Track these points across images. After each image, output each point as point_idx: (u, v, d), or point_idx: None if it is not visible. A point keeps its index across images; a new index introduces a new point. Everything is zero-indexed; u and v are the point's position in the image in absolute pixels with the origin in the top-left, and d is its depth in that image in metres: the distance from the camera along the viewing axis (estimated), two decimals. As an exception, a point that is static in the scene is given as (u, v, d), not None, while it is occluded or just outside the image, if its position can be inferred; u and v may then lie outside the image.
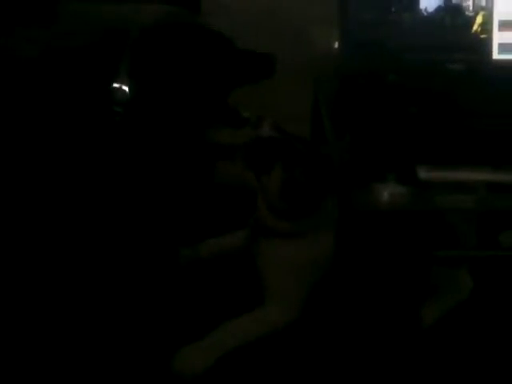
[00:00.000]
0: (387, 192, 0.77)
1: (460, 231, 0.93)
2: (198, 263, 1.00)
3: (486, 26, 1.06)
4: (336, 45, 1.12)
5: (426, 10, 1.06)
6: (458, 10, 1.06)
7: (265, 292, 0.87)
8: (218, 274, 1.01)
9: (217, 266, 1.02)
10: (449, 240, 0.92)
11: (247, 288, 0.93)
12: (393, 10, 1.07)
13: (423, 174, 0.81)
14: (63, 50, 1.09)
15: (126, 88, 1.01)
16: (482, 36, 1.06)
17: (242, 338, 0.83)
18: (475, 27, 1.06)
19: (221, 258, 1.01)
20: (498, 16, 1.06)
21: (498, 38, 1.06)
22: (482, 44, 1.06)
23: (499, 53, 1.06)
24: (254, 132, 1.01)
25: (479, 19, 1.06)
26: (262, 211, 0.87)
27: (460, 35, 1.06)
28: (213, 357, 0.81)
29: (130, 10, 1.70)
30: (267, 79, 1.12)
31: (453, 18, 1.06)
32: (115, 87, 1.00)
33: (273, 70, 1.14)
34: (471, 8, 1.06)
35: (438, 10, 1.06)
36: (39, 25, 1.48)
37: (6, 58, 1.09)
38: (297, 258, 0.83)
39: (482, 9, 1.06)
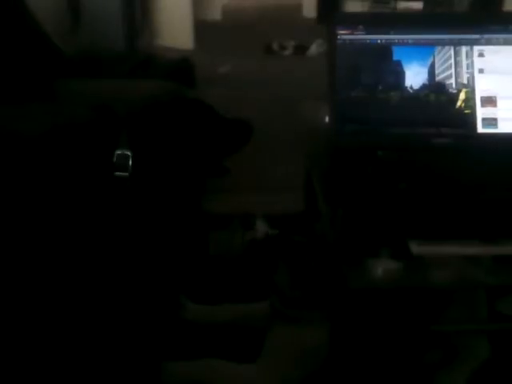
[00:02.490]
0: (381, 268, 0.78)
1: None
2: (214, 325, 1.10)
3: (469, 102, 1.11)
4: (327, 120, 1.17)
5: (411, 87, 1.11)
6: (442, 87, 1.11)
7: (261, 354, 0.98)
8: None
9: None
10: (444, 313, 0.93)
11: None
12: (380, 88, 1.12)
13: (415, 248, 0.82)
14: (66, 127, 1.14)
15: (127, 154, 1.06)
16: (466, 111, 1.11)
17: (225, 379, 0.93)
18: (459, 103, 1.11)
19: (238, 323, 1.09)
20: (479, 93, 1.11)
21: (481, 113, 1.11)
22: (467, 119, 1.11)
23: (483, 127, 1.11)
24: (250, 234, 1.14)
25: (462, 96, 1.11)
26: (275, 301, 0.98)
27: (445, 111, 1.11)
28: (192, 378, 0.98)
29: (128, 86, 1.76)
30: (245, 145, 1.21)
31: (437, 95, 1.11)
32: (117, 155, 1.05)
33: (250, 135, 1.24)
34: (454, 85, 1.11)
35: (423, 87, 1.11)
36: (38, 103, 1.54)
37: (11, 137, 1.13)
38: (301, 343, 0.91)
39: (464, 86, 1.11)
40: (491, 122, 1.11)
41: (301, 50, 4.01)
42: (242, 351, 1.06)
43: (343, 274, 0.77)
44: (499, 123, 1.11)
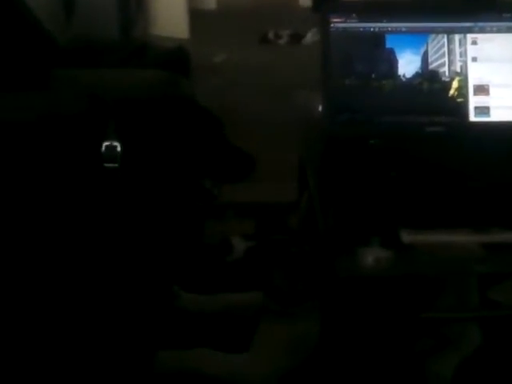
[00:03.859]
0: (372, 256, 0.79)
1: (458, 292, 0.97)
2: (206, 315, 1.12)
3: (462, 90, 1.11)
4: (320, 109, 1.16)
5: (404, 76, 1.11)
6: (435, 75, 1.11)
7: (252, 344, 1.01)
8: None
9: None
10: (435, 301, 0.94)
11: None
12: (373, 76, 1.11)
13: (406, 237, 0.82)
14: (57, 117, 1.14)
15: (116, 145, 1.05)
16: (459, 100, 1.11)
17: (216, 368, 0.95)
18: (452, 91, 1.11)
19: (230, 312, 1.11)
20: (472, 81, 1.11)
21: (474, 101, 1.11)
22: (459, 107, 1.11)
23: (475, 115, 1.11)
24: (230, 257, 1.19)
25: (455, 84, 1.11)
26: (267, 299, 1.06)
27: (438, 99, 1.10)
28: (183, 367, 0.99)
29: (122, 75, 1.75)
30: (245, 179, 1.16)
31: (430, 84, 1.11)
32: (106, 146, 1.04)
33: (252, 171, 1.16)
34: (447, 74, 1.11)
35: (416, 75, 1.11)
36: (33, 91, 1.53)
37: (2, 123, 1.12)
38: (292, 333, 0.93)
39: (457, 74, 1.11)
40: (484, 110, 1.11)
41: (296, 38, 3.99)
42: (234, 341, 1.07)
43: (333, 263, 0.78)
44: (491, 111, 1.11)
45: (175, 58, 2.74)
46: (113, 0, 3.15)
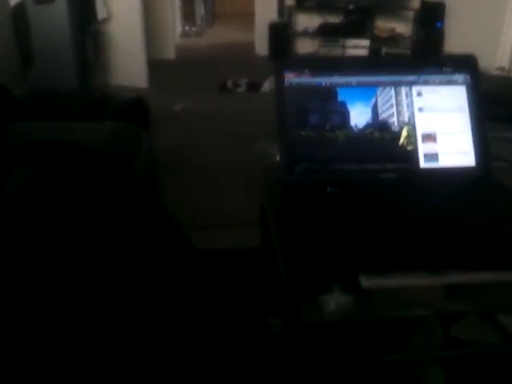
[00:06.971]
0: (333, 302, 0.81)
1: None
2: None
3: (411, 138, 1.17)
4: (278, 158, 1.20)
5: (356, 126, 1.17)
6: (385, 125, 1.17)
7: None
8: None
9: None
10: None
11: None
12: (327, 127, 1.17)
13: (365, 282, 0.85)
14: None
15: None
16: (409, 148, 1.17)
17: None
18: (402, 140, 1.17)
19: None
20: (420, 130, 1.18)
21: (423, 148, 1.18)
22: (410, 155, 1.17)
23: (425, 161, 1.17)
24: None
25: (404, 133, 1.17)
26: None
27: (389, 148, 1.17)
28: None
29: (79, 128, 1.75)
30: None
31: (381, 133, 1.17)
32: None
33: None
34: (396, 123, 1.18)
35: (367, 126, 1.17)
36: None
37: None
38: None
39: (406, 124, 1.18)
40: (432, 156, 1.18)
41: (254, 87, 4.11)
42: None
43: (296, 309, 0.79)
44: (439, 157, 1.18)
45: (134, 109, 2.77)
46: (71, 50, 3.18)
